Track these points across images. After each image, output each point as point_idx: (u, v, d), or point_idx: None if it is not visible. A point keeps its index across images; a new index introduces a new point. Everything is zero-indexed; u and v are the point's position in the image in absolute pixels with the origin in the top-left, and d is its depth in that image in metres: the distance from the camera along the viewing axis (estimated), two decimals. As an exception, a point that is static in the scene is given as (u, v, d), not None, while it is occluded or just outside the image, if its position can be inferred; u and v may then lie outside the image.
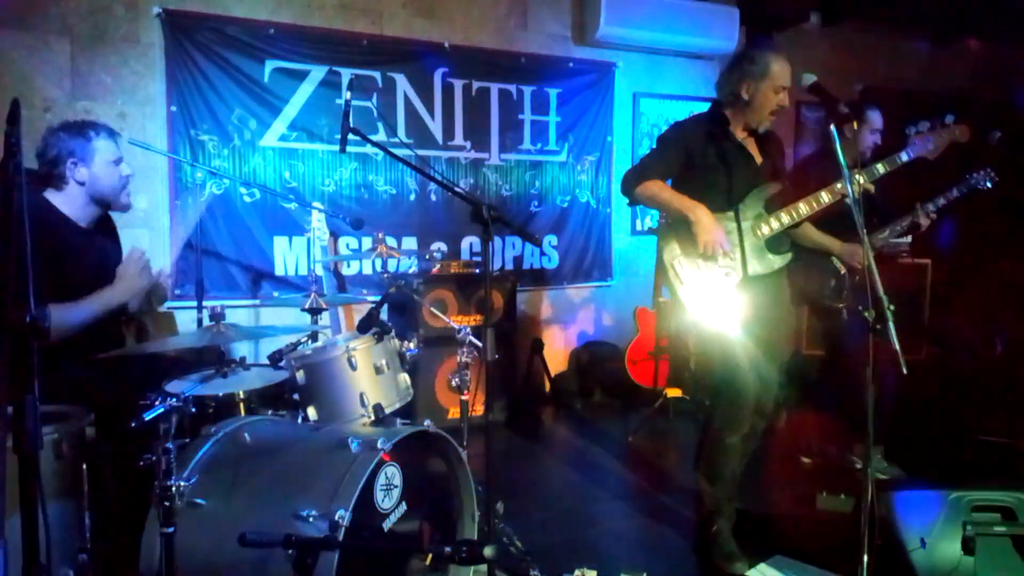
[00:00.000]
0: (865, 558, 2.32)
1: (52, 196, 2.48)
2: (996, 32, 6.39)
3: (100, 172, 2.47)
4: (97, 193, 2.50)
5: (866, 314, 2.18)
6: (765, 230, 2.72)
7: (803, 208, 2.72)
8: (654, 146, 2.92)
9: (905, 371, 2.25)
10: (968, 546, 2.32)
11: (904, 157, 2.78)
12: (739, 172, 2.76)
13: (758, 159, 2.82)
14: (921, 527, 2.37)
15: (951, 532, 2.35)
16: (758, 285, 2.76)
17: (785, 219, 2.72)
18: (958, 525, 2.35)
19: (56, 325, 2.25)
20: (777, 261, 2.74)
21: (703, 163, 2.78)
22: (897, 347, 2.22)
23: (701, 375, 4.60)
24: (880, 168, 2.81)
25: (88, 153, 2.45)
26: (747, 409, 2.70)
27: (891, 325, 2.24)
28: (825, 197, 2.72)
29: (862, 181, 2.70)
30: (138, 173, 4.07)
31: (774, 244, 2.75)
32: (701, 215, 2.65)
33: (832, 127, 2.30)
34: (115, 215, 2.78)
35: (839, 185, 2.67)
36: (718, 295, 2.70)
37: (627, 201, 2.89)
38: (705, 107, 3.00)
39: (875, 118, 3.55)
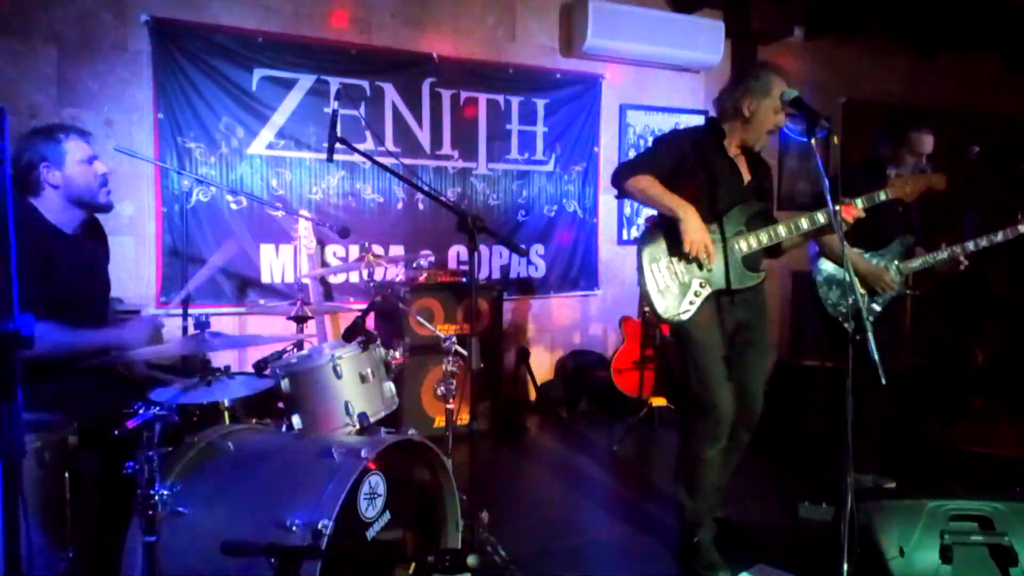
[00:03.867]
0: (845, 567, 2.35)
1: (36, 203, 2.46)
2: (977, 46, 6.50)
3: (73, 173, 2.44)
4: (74, 195, 2.46)
5: (845, 325, 2.22)
6: (743, 247, 2.75)
7: (782, 230, 2.75)
8: (650, 146, 2.94)
9: (884, 381, 2.29)
10: (946, 555, 2.36)
11: (883, 196, 2.78)
12: (725, 187, 2.78)
13: (746, 177, 2.85)
14: (900, 536, 2.41)
15: (929, 541, 2.39)
16: (739, 299, 2.79)
17: (764, 238, 2.74)
18: (936, 534, 2.39)
19: (44, 345, 2.24)
20: (750, 279, 2.76)
21: (692, 173, 2.80)
22: (876, 357, 2.26)
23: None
24: (860, 203, 2.76)
25: (59, 155, 2.41)
26: (724, 422, 2.70)
27: (870, 336, 2.29)
28: (804, 223, 2.73)
29: (838, 208, 2.66)
30: (124, 180, 4.09)
31: (751, 261, 2.78)
32: (690, 214, 2.64)
33: (811, 142, 2.34)
34: (102, 220, 2.77)
35: (820, 214, 2.69)
36: (690, 304, 2.73)
37: (615, 193, 2.87)
38: (690, 119, 3.04)
39: (920, 140, 3.34)
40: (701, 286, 2.73)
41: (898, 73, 6.64)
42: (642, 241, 2.81)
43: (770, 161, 3.08)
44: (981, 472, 3.96)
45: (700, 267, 2.72)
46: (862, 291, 3.37)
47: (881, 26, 5.98)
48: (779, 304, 5.99)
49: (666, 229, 2.75)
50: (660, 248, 2.76)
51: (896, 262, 3.39)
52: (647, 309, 4.81)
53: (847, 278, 2.36)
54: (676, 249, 2.70)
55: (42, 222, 2.43)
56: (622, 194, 2.84)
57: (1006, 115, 6.51)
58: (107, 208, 2.58)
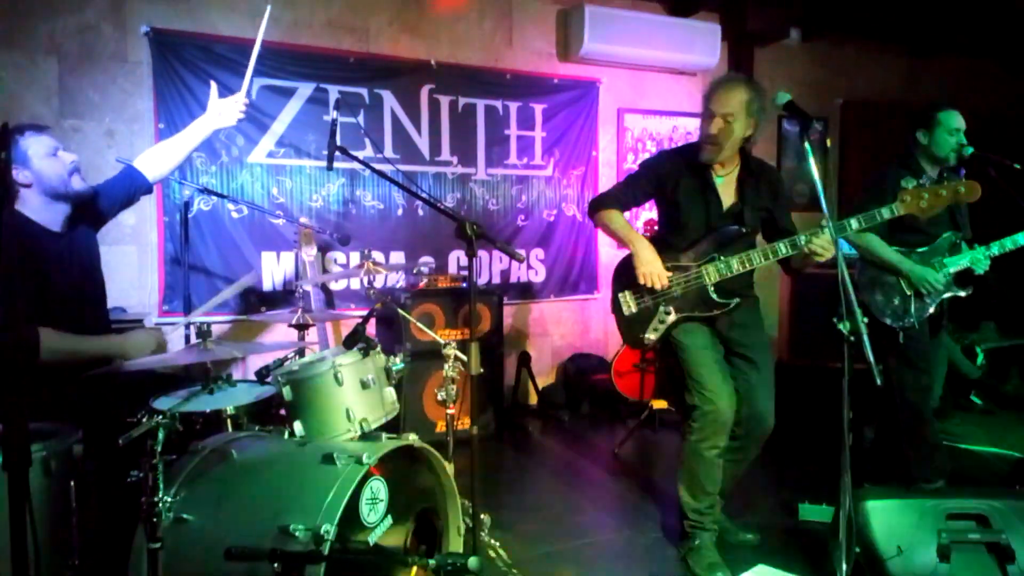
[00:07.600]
0: (844, 566, 2.36)
1: (16, 206, 2.44)
2: (974, 47, 6.52)
3: (40, 167, 2.44)
4: (48, 189, 2.46)
5: (840, 326, 2.23)
6: (712, 274, 2.75)
7: (756, 257, 2.73)
8: (630, 174, 2.99)
9: (880, 382, 2.30)
10: (944, 553, 2.38)
11: (886, 214, 2.65)
12: (700, 213, 2.81)
13: (728, 201, 2.82)
14: (898, 535, 2.42)
15: (927, 540, 2.40)
16: (725, 320, 2.83)
17: (735, 266, 2.73)
18: (934, 533, 2.41)
19: (48, 352, 2.26)
20: (720, 305, 2.77)
21: (672, 198, 2.86)
22: (871, 359, 2.27)
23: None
24: (854, 223, 2.69)
25: (21, 154, 2.41)
26: (723, 420, 2.72)
27: (866, 338, 2.29)
28: (783, 248, 2.70)
29: (823, 227, 2.56)
30: (126, 190, 4.11)
31: (726, 287, 2.78)
32: (640, 248, 2.77)
33: (806, 144, 2.35)
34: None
35: (802, 238, 2.65)
36: (654, 330, 2.83)
37: (592, 224, 3.01)
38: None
39: (952, 116, 3.24)
40: (667, 313, 2.81)
41: (895, 74, 6.66)
42: (616, 272, 2.95)
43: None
44: (979, 470, 3.97)
45: (665, 294, 2.78)
46: (908, 291, 3.29)
47: (878, 27, 6.01)
48: (777, 304, 5.99)
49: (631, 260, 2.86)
50: (629, 278, 2.85)
51: (944, 260, 3.28)
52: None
53: (842, 276, 2.33)
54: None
55: (30, 225, 2.43)
56: (595, 225, 3.03)
57: (1003, 117, 6.52)
58: (84, 196, 2.57)
